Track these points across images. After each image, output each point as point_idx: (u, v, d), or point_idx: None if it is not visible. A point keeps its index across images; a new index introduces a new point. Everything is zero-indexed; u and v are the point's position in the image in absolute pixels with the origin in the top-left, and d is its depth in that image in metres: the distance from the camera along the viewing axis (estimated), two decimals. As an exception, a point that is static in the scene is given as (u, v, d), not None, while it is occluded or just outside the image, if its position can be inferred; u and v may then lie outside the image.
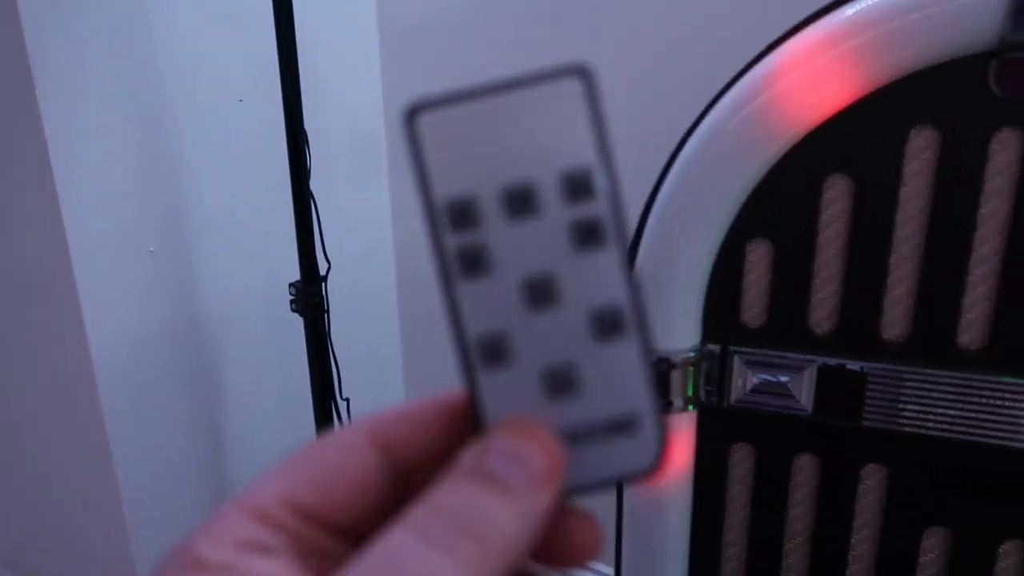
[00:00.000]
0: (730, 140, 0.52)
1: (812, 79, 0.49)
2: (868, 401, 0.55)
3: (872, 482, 0.57)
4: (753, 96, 0.50)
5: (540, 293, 0.22)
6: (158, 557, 0.20)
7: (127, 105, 1.00)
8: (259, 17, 0.97)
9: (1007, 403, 0.52)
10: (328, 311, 1.08)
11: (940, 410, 0.53)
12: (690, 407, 0.58)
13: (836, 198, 0.53)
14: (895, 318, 0.54)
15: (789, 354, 0.56)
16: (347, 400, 1.12)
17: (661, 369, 0.56)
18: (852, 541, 0.58)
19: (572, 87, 0.22)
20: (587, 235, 0.22)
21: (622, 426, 0.23)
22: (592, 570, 1.35)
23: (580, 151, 0.22)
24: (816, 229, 0.54)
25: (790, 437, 0.58)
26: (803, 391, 0.56)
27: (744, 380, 0.57)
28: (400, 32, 1.29)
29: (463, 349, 0.23)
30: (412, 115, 0.22)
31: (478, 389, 0.23)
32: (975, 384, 0.52)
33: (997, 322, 0.52)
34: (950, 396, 0.53)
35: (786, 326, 0.56)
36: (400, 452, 0.23)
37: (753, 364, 0.57)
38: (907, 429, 0.54)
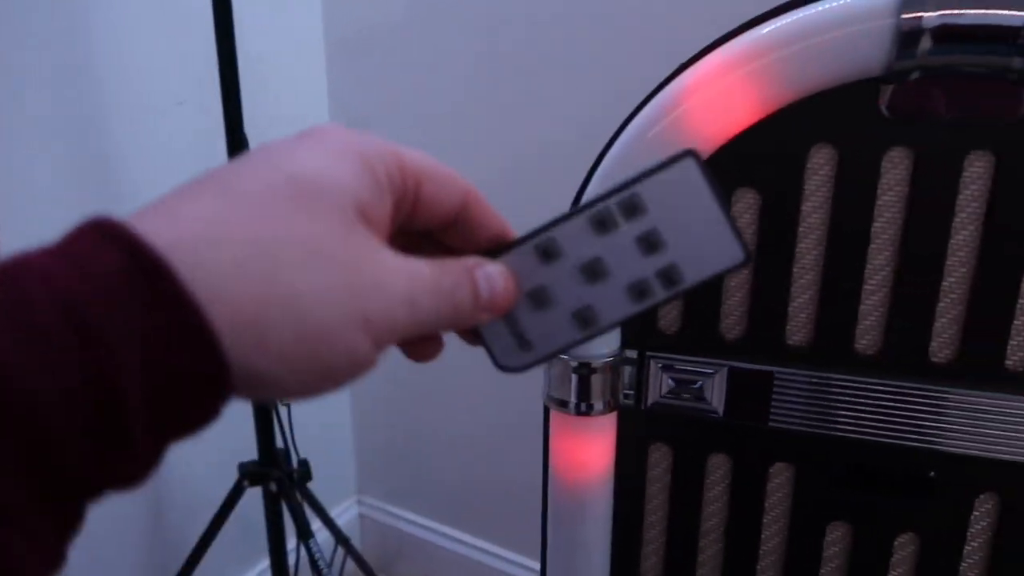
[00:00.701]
0: (643, 157, 0.54)
1: (719, 99, 0.52)
2: (774, 403, 0.58)
3: (780, 480, 0.60)
4: (663, 115, 0.53)
5: (593, 272, 0.33)
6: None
7: (60, 107, 0.99)
8: (203, 20, 0.97)
9: (900, 404, 0.56)
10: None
11: (840, 411, 0.57)
12: (611, 410, 0.60)
13: (744, 211, 0.56)
14: (799, 324, 0.57)
15: (701, 359, 0.59)
16: (288, 405, 1.12)
17: (582, 374, 0.59)
18: (763, 536, 0.62)
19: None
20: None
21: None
22: (519, 565, 1.38)
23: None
24: (726, 240, 0.57)
25: (704, 437, 0.61)
26: (715, 394, 0.59)
27: (660, 383, 0.60)
28: (346, 38, 1.30)
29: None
30: (689, 155, 0.32)
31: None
32: (871, 386, 0.56)
33: (891, 328, 0.55)
34: (849, 398, 0.56)
35: (699, 332, 0.59)
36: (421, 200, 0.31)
37: (668, 368, 0.59)
38: (811, 429, 0.58)
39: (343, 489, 1.56)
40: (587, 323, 0.33)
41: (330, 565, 1.26)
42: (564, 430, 0.61)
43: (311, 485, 1.28)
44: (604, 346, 0.59)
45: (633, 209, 0.31)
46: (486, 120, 1.18)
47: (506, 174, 1.14)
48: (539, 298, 0.33)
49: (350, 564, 1.49)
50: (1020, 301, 0.53)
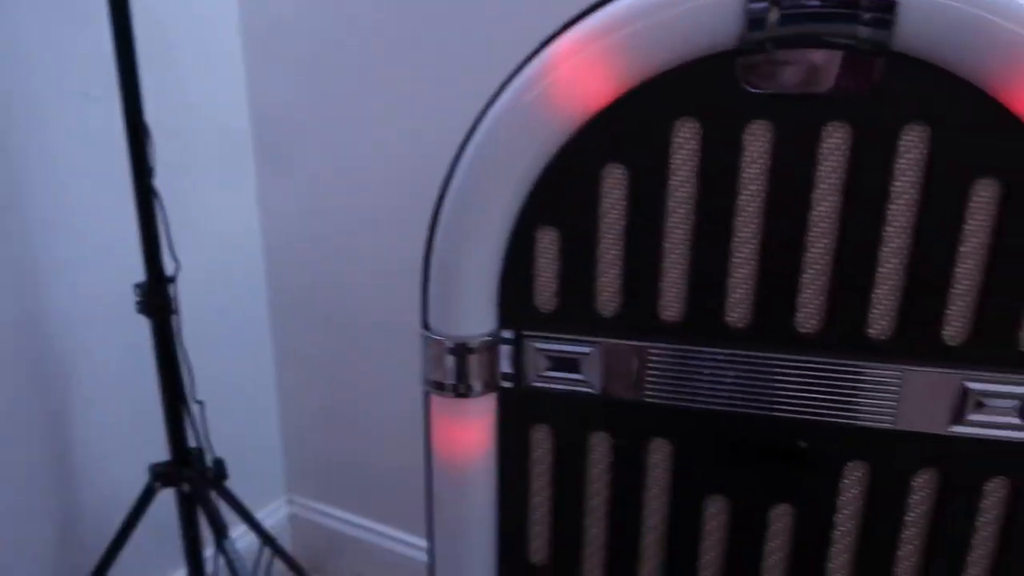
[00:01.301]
0: (511, 131, 0.54)
1: (578, 74, 0.52)
2: (649, 378, 0.58)
3: (659, 456, 0.60)
4: (525, 93, 0.53)
5: None
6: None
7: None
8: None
9: (770, 376, 0.56)
10: (177, 312, 1.05)
11: (713, 385, 0.57)
12: (489, 391, 0.60)
13: (614, 186, 0.56)
14: (671, 299, 0.57)
15: (578, 337, 0.59)
16: (201, 403, 1.10)
17: (459, 355, 0.58)
18: (645, 512, 0.62)
19: None
20: None
21: None
22: (408, 544, 1.37)
23: None
24: (597, 216, 0.57)
25: (583, 416, 0.60)
26: (592, 372, 0.59)
27: (538, 363, 0.59)
28: (262, 26, 1.28)
29: None
30: None
31: None
32: (741, 359, 0.56)
33: (759, 301, 0.56)
34: (720, 371, 0.57)
35: (575, 310, 0.59)
36: None
37: (546, 348, 0.59)
38: (685, 404, 0.58)
39: (272, 489, 1.53)
40: None
41: (256, 567, 1.24)
42: (444, 413, 0.61)
43: (236, 486, 1.25)
44: (480, 326, 0.59)
45: None
46: (397, 103, 1.18)
47: (416, 152, 1.13)
48: None
49: (280, 565, 1.46)
50: (879, 270, 0.54)
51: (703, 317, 0.57)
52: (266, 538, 1.31)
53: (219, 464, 1.13)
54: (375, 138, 1.20)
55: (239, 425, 1.42)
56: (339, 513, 1.49)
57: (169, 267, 1.05)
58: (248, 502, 1.32)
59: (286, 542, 1.51)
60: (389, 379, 1.31)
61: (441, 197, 0.56)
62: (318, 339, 1.39)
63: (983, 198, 0.51)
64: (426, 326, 0.59)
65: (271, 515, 1.51)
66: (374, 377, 1.33)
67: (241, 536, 1.41)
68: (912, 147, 0.51)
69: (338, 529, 1.48)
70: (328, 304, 1.35)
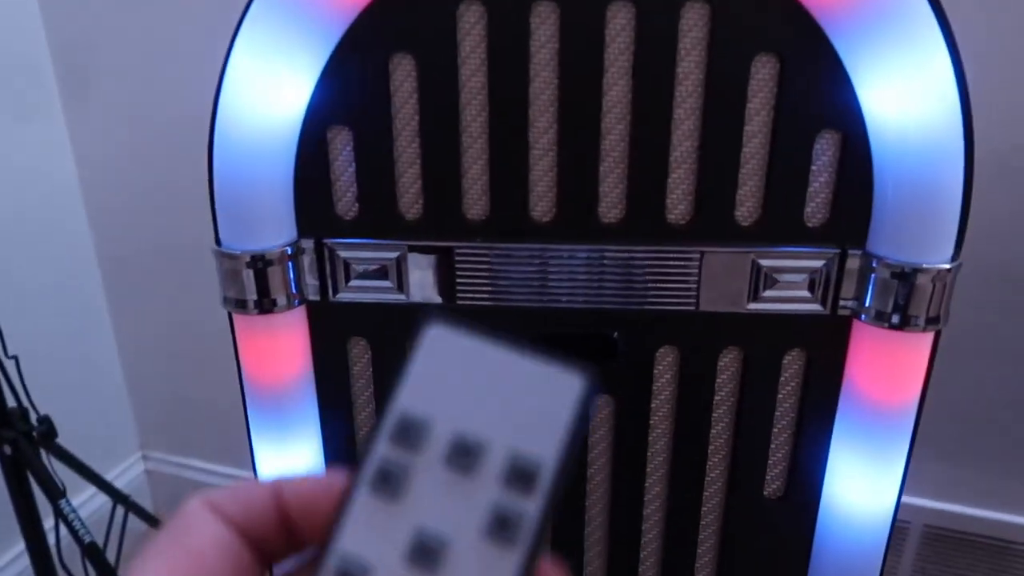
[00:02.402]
0: (281, 20, 0.50)
1: (348, -49, 0.48)
2: (459, 280, 0.57)
3: (477, 358, 0.59)
4: (292, -29, 0.48)
5: (424, 553, 0.20)
6: None
7: None
8: None
9: (577, 269, 0.56)
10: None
11: (523, 281, 0.57)
12: (296, 303, 0.57)
13: (404, 79, 0.53)
14: (475, 197, 0.56)
15: (383, 242, 0.56)
16: (15, 358, 1.00)
17: (257, 268, 0.55)
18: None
19: (574, 383, 0.21)
20: (501, 526, 0.20)
21: None
22: (228, 476, 1.36)
23: (546, 443, 0.21)
24: (390, 112, 0.54)
25: (398, 326, 0.59)
26: (400, 278, 0.57)
27: (343, 273, 0.57)
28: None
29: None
30: (426, 323, 0.22)
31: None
32: (548, 254, 0.56)
33: (561, 193, 0.55)
34: (529, 267, 0.56)
35: (377, 215, 0.56)
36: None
37: (350, 255, 0.56)
38: (497, 303, 0.57)
39: (124, 447, 1.45)
40: None
41: (110, 528, 1.17)
42: (250, 332, 0.57)
43: (83, 447, 1.17)
44: (277, 237, 0.55)
45: (414, 429, 0.22)
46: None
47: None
48: None
49: (140, 524, 1.40)
50: (673, 155, 0.54)
51: (508, 213, 0.56)
52: (118, 496, 1.24)
53: (46, 422, 1.04)
54: (185, 56, 1.11)
55: (79, 383, 1.33)
56: (198, 463, 1.43)
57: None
58: (99, 462, 1.24)
59: (145, 499, 1.44)
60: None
61: (216, 98, 0.52)
62: (152, 284, 1.30)
63: (763, 75, 0.51)
64: (218, 242, 0.55)
65: (125, 473, 1.43)
66: (216, 316, 1.26)
67: (91, 498, 1.34)
68: (693, 26, 0.51)
69: (199, 480, 1.43)
70: (159, 242, 1.26)
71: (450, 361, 0.22)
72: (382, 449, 0.22)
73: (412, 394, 0.22)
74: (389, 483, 0.21)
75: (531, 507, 0.21)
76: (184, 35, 1.11)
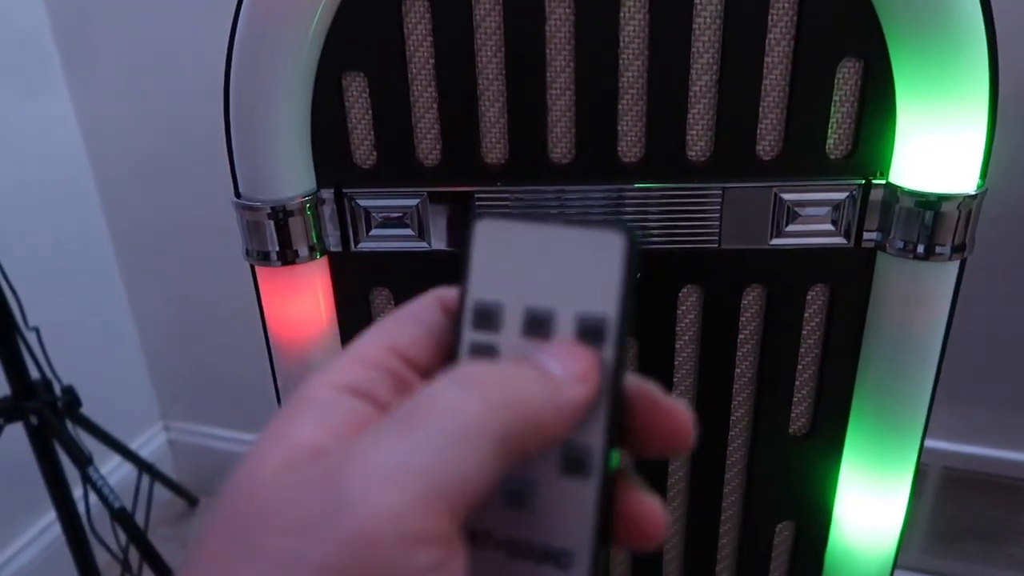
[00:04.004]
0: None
1: None
2: (480, 225, 0.56)
3: (500, 304, 0.60)
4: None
5: None
6: None
7: None
8: None
9: (598, 209, 0.56)
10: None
11: (544, 224, 0.56)
12: (318, 254, 0.57)
13: (417, 21, 0.52)
14: (493, 141, 0.55)
15: (403, 189, 0.56)
16: (36, 330, 1.01)
17: (278, 220, 0.54)
18: (493, 364, 0.61)
19: (616, 242, 0.23)
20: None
21: (556, 558, 0.23)
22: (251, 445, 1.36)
23: (605, 301, 0.23)
24: (405, 56, 0.53)
25: (421, 274, 0.59)
26: (421, 226, 0.57)
27: (364, 222, 0.57)
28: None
29: None
30: (474, 220, 0.24)
31: None
32: (569, 195, 0.55)
33: (580, 133, 0.55)
34: (550, 209, 0.56)
35: (396, 162, 0.56)
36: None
37: (369, 204, 0.56)
38: (519, 247, 0.57)
39: (146, 418, 1.46)
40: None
41: (136, 497, 1.19)
42: (274, 285, 0.58)
43: (106, 417, 1.19)
44: (297, 187, 0.55)
45: (490, 314, 0.24)
46: None
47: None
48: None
49: (166, 493, 1.42)
50: (692, 89, 0.53)
51: (527, 156, 0.55)
52: (143, 465, 1.26)
53: (70, 392, 1.06)
54: (188, 22, 1.10)
55: (98, 355, 1.34)
56: (219, 432, 1.45)
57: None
58: (122, 432, 1.26)
59: (168, 469, 1.46)
60: (245, 282, 1.25)
61: (230, 48, 0.51)
62: (165, 254, 1.30)
63: (783, 4, 0.51)
64: (238, 194, 0.55)
65: (149, 443, 1.45)
66: (230, 283, 1.26)
67: (117, 467, 1.36)
68: (712, -47, 0.50)
69: (221, 448, 1.45)
70: (169, 211, 1.26)
71: (503, 247, 0.24)
72: (468, 336, 0.24)
73: (479, 284, 0.24)
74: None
75: (608, 354, 0.24)
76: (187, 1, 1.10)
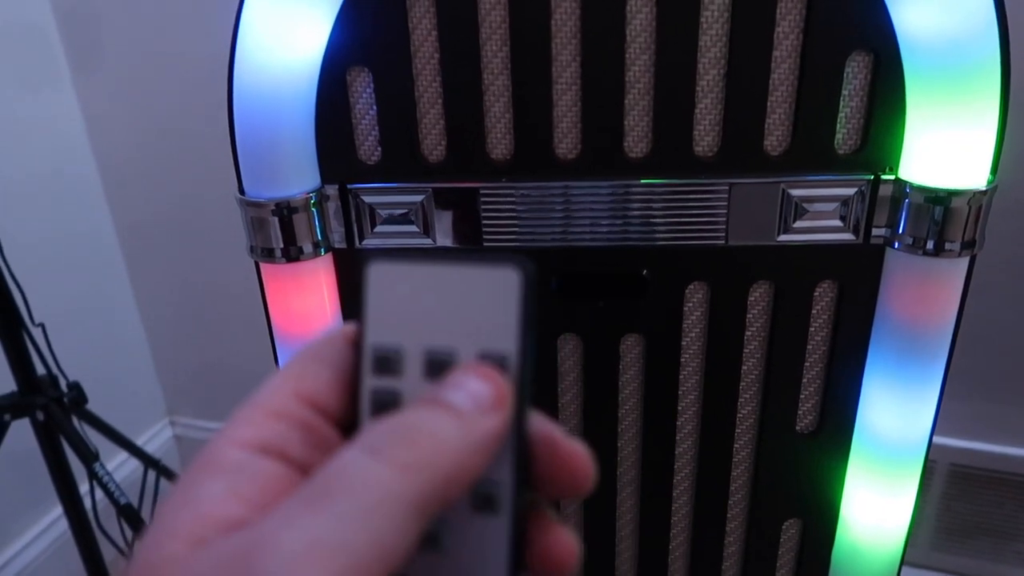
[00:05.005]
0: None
1: None
2: (485, 221, 0.56)
3: (505, 301, 0.59)
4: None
5: None
6: None
7: None
8: None
9: (604, 205, 0.55)
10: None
11: (550, 220, 0.56)
12: (322, 251, 0.57)
13: (422, 16, 0.52)
14: (498, 136, 0.55)
15: (407, 185, 0.56)
16: (41, 325, 1.01)
17: (282, 216, 0.54)
18: (499, 360, 0.61)
19: (512, 278, 0.23)
20: None
21: None
22: None
23: (505, 337, 0.23)
24: (410, 52, 0.53)
25: (426, 269, 0.58)
26: (425, 222, 0.56)
27: (368, 219, 0.56)
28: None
29: None
30: (366, 264, 0.24)
31: None
32: (575, 191, 0.55)
33: (586, 128, 0.54)
34: (556, 205, 0.56)
35: (401, 158, 0.55)
36: None
37: (374, 200, 0.56)
38: (525, 243, 0.57)
39: (151, 413, 1.47)
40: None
41: (143, 492, 1.19)
42: (278, 282, 0.57)
43: (112, 413, 1.19)
44: (301, 184, 0.55)
45: (389, 358, 0.24)
46: None
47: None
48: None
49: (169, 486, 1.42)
50: (699, 84, 0.53)
51: (532, 152, 0.55)
52: (149, 461, 1.26)
53: (75, 388, 1.06)
54: (193, 15, 1.10)
55: (104, 352, 1.34)
56: (226, 427, 1.45)
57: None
58: (128, 428, 1.26)
59: (174, 464, 1.47)
60: (251, 277, 1.25)
61: (233, 45, 0.51)
62: (169, 249, 1.30)
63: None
64: (242, 191, 0.55)
65: (155, 439, 1.46)
66: (236, 278, 1.26)
67: (123, 463, 1.36)
68: (719, -54, 0.49)
69: (227, 444, 1.45)
70: (174, 206, 1.26)
71: (399, 290, 0.24)
72: (369, 383, 0.24)
73: (376, 328, 0.24)
74: (387, 409, 0.23)
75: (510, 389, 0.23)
76: (190, -5, 1.10)
